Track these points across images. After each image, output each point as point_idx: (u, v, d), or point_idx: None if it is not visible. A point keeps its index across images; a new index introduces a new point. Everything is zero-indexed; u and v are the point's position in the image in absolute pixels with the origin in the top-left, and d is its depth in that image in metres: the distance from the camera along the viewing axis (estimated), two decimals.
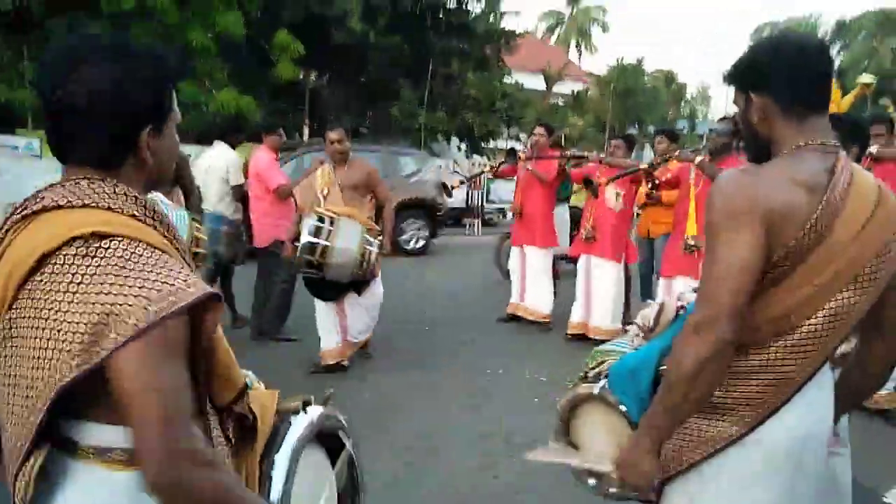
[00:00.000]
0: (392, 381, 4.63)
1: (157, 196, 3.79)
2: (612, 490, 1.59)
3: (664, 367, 1.51)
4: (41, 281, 1.01)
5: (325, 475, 1.52)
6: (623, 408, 1.62)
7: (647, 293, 6.12)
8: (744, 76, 1.50)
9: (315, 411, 1.44)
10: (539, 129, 6.26)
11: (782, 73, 1.44)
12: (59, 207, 1.04)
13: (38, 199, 1.06)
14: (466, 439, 3.72)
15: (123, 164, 1.10)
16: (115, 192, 1.07)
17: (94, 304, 0.97)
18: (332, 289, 4.60)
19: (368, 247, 4.42)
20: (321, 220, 4.36)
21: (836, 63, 8.14)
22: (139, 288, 0.98)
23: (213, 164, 5.46)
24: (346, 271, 4.38)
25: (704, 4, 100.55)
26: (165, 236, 1.10)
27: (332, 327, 4.71)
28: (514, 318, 6.29)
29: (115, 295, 0.97)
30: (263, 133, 5.67)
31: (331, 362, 4.68)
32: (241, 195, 5.52)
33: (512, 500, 3.08)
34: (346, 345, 4.77)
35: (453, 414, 4.08)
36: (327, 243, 4.29)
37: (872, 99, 7.87)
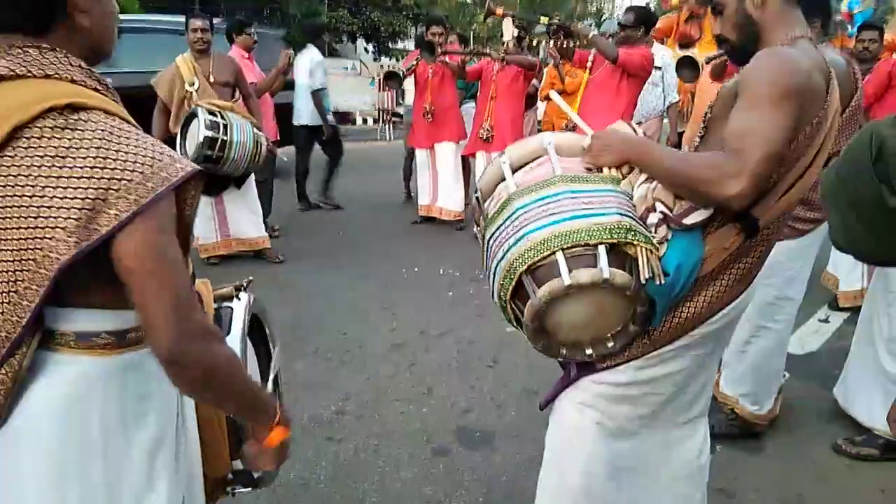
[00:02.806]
0: (307, 285, 4.56)
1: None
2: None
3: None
4: (15, 157, 0.93)
5: (253, 357, 1.51)
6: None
7: None
8: None
9: (246, 297, 1.42)
10: (435, 28, 6.03)
11: None
12: (18, 77, 0.97)
13: None
14: (383, 338, 3.75)
15: (56, 28, 1.02)
16: (70, 63, 1.02)
17: (87, 178, 0.92)
18: (216, 184, 4.67)
19: (260, 139, 4.54)
20: (213, 113, 4.31)
21: None
22: (132, 163, 0.95)
23: None
24: (241, 164, 4.50)
25: None
26: (114, 101, 1.06)
27: (211, 223, 4.86)
28: (428, 220, 6.29)
29: (110, 170, 0.93)
30: (233, 33, 5.60)
31: (209, 256, 4.88)
32: None
33: (424, 397, 3.15)
34: (227, 242, 4.93)
35: (370, 314, 4.09)
36: (225, 137, 4.29)
37: None
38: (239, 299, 1.39)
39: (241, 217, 4.95)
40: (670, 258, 1.42)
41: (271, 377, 1.48)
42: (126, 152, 0.95)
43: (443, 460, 2.61)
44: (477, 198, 1.62)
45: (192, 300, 1.01)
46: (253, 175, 4.91)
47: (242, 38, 5.59)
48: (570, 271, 1.32)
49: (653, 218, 1.44)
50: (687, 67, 4.60)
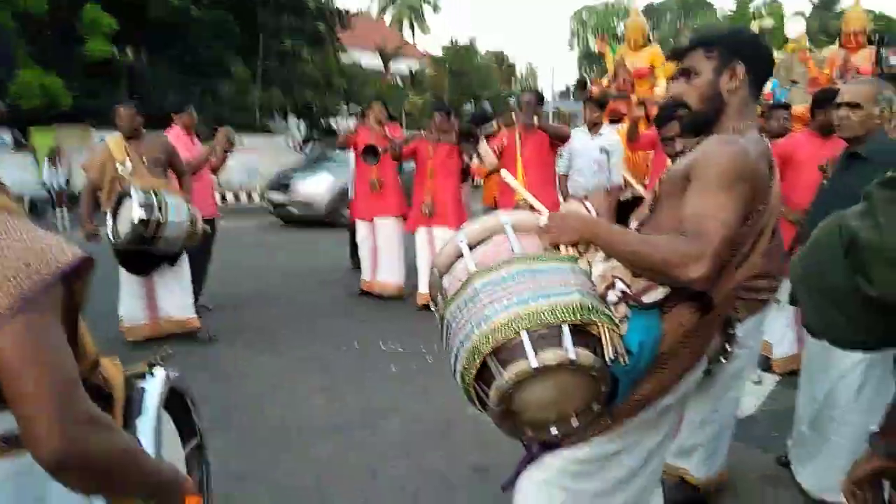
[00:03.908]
0: (241, 366, 4.37)
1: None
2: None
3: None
4: None
5: (175, 440, 1.42)
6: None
7: None
8: (730, 44, 1.63)
9: (161, 373, 1.34)
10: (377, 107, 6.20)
11: (760, 51, 1.67)
12: None
13: None
14: (323, 420, 3.60)
15: None
16: None
17: None
18: (147, 261, 4.63)
19: (195, 217, 4.58)
20: (146, 193, 4.30)
21: None
22: (16, 251, 0.92)
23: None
24: (178, 244, 4.51)
25: None
26: (9, 199, 1.03)
27: (139, 303, 4.72)
28: (366, 294, 6.22)
29: None
30: (173, 114, 5.63)
31: (133, 339, 4.69)
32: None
33: (369, 481, 3.02)
34: (154, 324, 4.76)
35: (309, 395, 3.94)
36: (160, 217, 4.28)
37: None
38: (153, 375, 1.32)
39: (171, 296, 4.79)
40: (632, 336, 1.44)
41: (186, 450, 1.39)
42: (9, 240, 0.93)
43: None
44: (435, 275, 1.61)
45: (77, 391, 0.93)
46: (185, 253, 4.80)
47: (183, 117, 5.56)
48: (535, 353, 1.32)
49: (612, 296, 1.47)
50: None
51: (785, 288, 2.75)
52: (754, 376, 4.29)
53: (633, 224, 1.86)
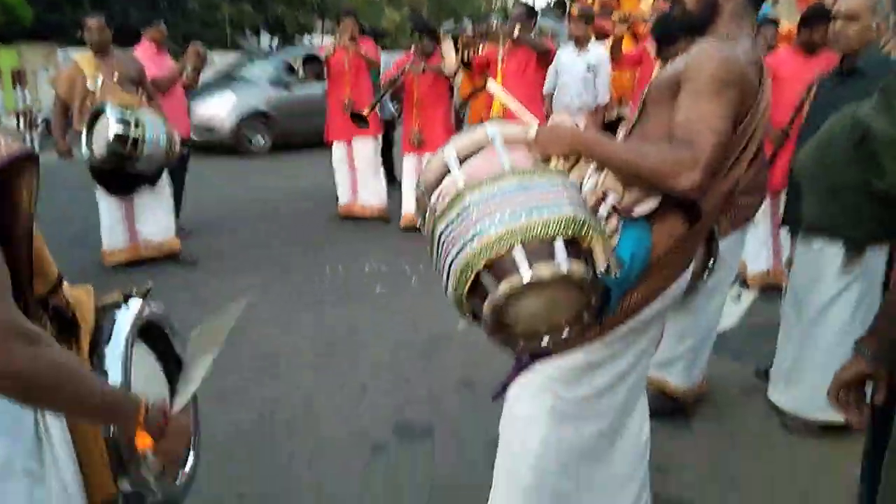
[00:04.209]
0: (224, 289, 4.34)
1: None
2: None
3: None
4: None
5: (156, 375, 1.39)
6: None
7: None
8: None
9: (138, 303, 1.29)
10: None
11: None
12: None
13: None
14: (310, 341, 3.63)
15: None
16: None
17: None
18: (127, 182, 4.50)
19: (172, 136, 4.44)
20: (122, 109, 4.17)
21: None
22: None
23: None
24: (155, 162, 4.37)
25: None
26: None
27: (119, 226, 4.63)
28: (349, 218, 6.16)
29: None
30: (142, 29, 5.41)
31: (114, 262, 4.62)
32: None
33: (359, 398, 3.07)
34: (134, 247, 4.69)
35: (294, 317, 3.95)
36: (137, 134, 4.14)
37: None
38: (127, 306, 1.28)
39: (153, 218, 4.71)
40: (623, 248, 1.45)
41: (181, 389, 1.36)
42: None
43: (382, 463, 2.54)
44: (422, 191, 1.57)
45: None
46: (166, 174, 4.70)
47: (152, 31, 5.30)
48: (529, 266, 1.31)
49: (603, 209, 1.47)
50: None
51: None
52: (734, 292, 4.38)
53: (621, 134, 1.83)
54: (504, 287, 1.32)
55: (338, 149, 6.09)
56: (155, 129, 4.29)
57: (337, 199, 6.26)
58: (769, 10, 6.20)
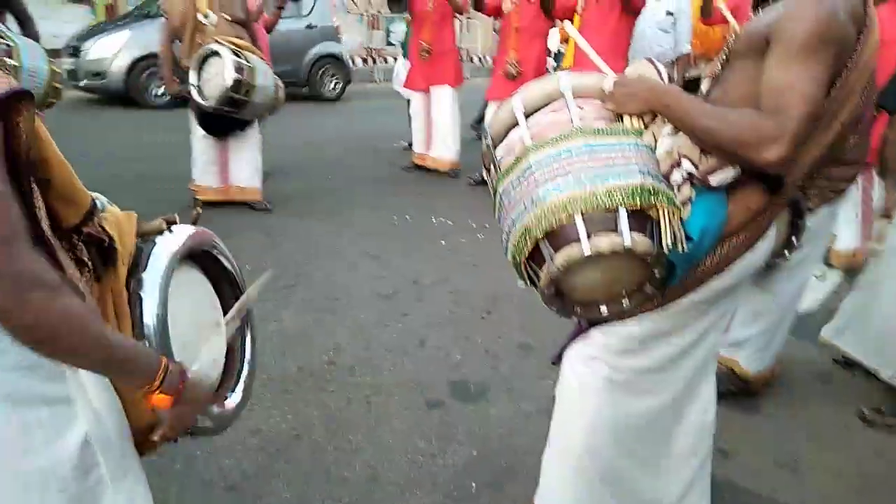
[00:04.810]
0: (292, 232, 4.43)
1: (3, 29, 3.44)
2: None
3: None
4: None
5: (206, 297, 1.36)
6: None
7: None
8: None
9: (183, 229, 1.27)
10: None
11: None
12: None
13: None
14: (372, 287, 3.66)
15: None
16: None
17: None
18: (225, 124, 4.44)
19: (278, 83, 4.39)
20: (237, 54, 4.07)
21: None
22: None
23: None
24: (260, 110, 4.35)
25: None
26: None
27: (213, 167, 4.66)
28: (421, 168, 6.11)
29: None
30: None
31: (201, 199, 4.53)
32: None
33: (417, 352, 3.08)
34: (225, 189, 4.72)
35: (358, 263, 3.99)
36: (251, 80, 4.09)
37: None
38: (171, 232, 1.24)
39: (244, 164, 4.73)
40: (695, 221, 1.35)
41: (228, 317, 1.34)
42: None
43: (436, 413, 2.55)
44: (488, 144, 1.50)
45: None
46: (257, 122, 4.64)
47: None
48: (589, 238, 1.24)
49: (677, 175, 1.36)
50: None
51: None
52: (818, 271, 4.11)
53: (704, 87, 1.68)
54: (561, 258, 1.26)
55: (415, 98, 6.01)
56: (265, 76, 4.21)
57: (406, 146, 6.20)
58: None
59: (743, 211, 1.42)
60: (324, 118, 8.90)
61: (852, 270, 4.01)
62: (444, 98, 5.85)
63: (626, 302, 1.40)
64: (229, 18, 4.30)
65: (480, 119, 6.94)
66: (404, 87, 6.14)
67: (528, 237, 1.29)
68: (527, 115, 1.42)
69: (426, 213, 4.91)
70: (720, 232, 1.40)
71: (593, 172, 1.27)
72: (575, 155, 1.30)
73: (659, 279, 1.36)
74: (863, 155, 2.71)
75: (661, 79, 1.47)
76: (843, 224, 4.05)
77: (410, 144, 6.65)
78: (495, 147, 1.48)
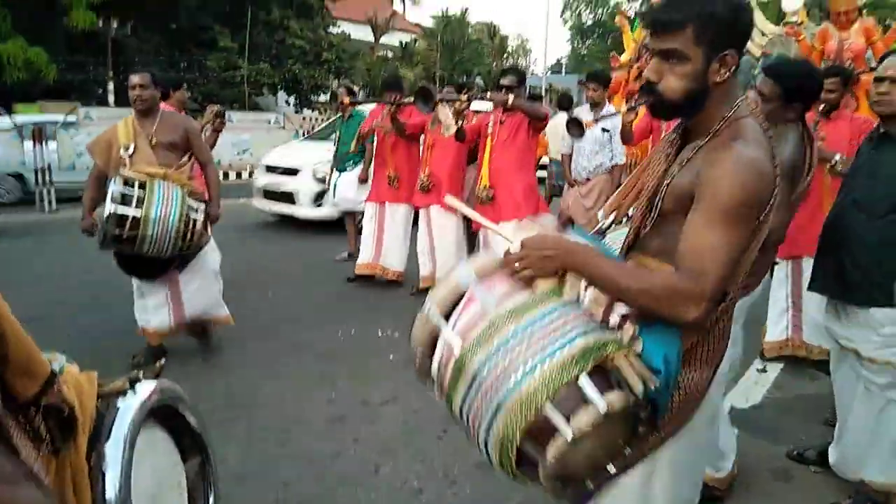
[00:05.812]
0: (235, 357, 4.26)
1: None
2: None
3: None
4: None
5: (168, 457, 1.31)
6: None
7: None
8: (719, 33, 1.39)
9: (146, 387, 1.22)
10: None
11: (746, 32, 1.46)
12: None
13: None
14: (322, 412, 3.51)
15: None
16: None
17: None
18: (150, 265, 3.92)
19: (193, 214, 3.80)
20: (128, 184, 3.66)
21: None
22: None
23: None
24: (167, 245, 3.71)
25: None
26: None
27: (163, 306, 4.06)
28: (362, 278, 6.09)
29: None
30: (171, 89, 5.09)
31: (155, 344, 4.10)
32: None
33: (372, 477, 2.94)
34: (179, 327, 4.17)
35: (306, 386, 3.84)
36: (138, 213, 3.60)
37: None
38: (134, 392, 1.20)
39: (197, 295, 4.16)
40: (653, 352, 1.33)
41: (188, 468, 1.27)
42: None
43: None
44: (420, 354, 1.45)
45: None
46: (204, 248, 4.08)
47: (178, 95, 5.23)
48: (567, 421, 1.21)
49: (613, 318, 1.36)
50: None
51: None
52: (758, 365, 4.23)
53: (610, 216, 1.73)
54: (551, 454, 1.22)
55: (370, 207, 6.09)
56: (165, 207, 3.68)
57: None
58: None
59: (693, 328, 1.42)
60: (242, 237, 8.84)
61: (793, 360, 4.15)
62: (400, 212, 5.99)
63: (627, 451, 1.37)
64: (154, 144, 3.95)
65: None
66: (367, 201, 6.15)
67: (509, 448, 1.25)
68: (446, 317, 1.39)
69: (372, 326, 4.83)
70: (681, 352, 1.40)
71: (538, 356, 1.24)
72: (512, 343, 1.27)
73: (648, 417, 1.34)
74: (763, 269, 2.80)
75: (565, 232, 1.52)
76: (774, 315, 4.24)
77: (350, 255, 6.65)
78: (427, 358, 1.43)
